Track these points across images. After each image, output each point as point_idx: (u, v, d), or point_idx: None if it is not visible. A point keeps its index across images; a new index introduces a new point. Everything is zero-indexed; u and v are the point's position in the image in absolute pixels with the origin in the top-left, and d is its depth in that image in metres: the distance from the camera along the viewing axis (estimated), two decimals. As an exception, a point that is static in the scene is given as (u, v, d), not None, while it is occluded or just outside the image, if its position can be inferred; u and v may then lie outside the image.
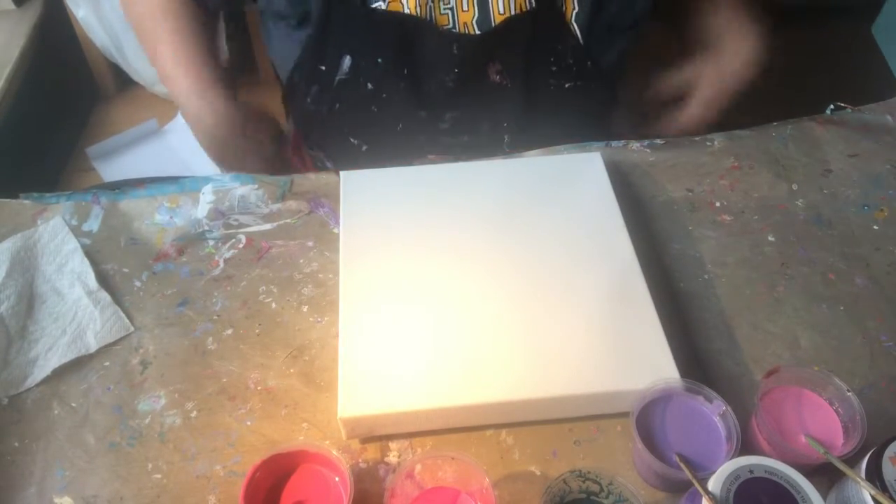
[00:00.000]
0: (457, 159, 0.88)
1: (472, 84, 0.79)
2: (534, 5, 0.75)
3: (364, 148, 0.84)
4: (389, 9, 0.74)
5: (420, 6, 0.74)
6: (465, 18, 0.75)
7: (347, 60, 0.77)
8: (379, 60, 0.77)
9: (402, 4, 0.74)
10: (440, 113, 0.81)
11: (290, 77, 0.84)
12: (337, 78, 0.78)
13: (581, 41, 0.78)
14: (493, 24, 0.75)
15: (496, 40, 0.76)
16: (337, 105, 0.80)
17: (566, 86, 0.80)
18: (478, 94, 0.80)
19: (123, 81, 1.40)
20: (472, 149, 0.84)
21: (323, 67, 0.79)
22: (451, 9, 0.75)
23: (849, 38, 2.19)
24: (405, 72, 0.77)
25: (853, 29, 2.21)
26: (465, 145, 0.84)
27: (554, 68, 0.79)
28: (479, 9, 0.75)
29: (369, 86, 0.78)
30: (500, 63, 0.78)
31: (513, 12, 0.75)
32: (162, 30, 0.79)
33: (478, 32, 0.75)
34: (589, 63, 0.80)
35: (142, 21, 0.82)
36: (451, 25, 0.75)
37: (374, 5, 0.74)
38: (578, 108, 0.84)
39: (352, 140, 0.83)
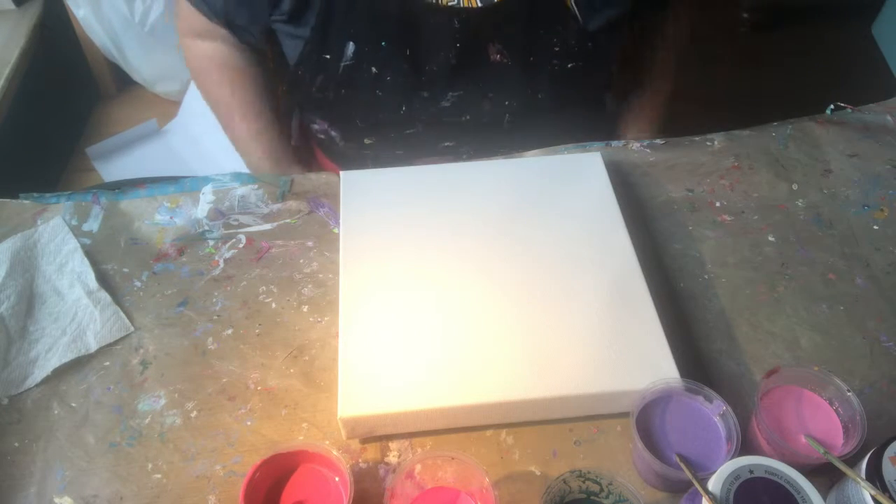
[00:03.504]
0: (457, 158, 0.88)
1: (472, 63, 0.81)
2: None
3: (369, 131, 0.87)
4: None
5: None
6: None
7: (351, 47, 0.79)
8: (383, 44, 0.79)
9: None
10: (442, 93, 0.83)
11: (294, 71, 0.85)
12: (342, 64, 0.80)
13: (581, 22, 0.80)
14: None
15: (496, 16, 0.78)
16: (343, 91, 0.82)
17: (568, 66, 0.82)
18: (478, 73, 0.82)
19: (123, 81, 1.39)
20: (474, 129, 0.85)
21: (328, 56, 0.81)
22: None
23: (849, 38, 2.19)
24: (407, 52, 0.80)
25: (853, 29, 2.21)
26: (468, 125, 0.85)
27: (557, 48, 0.81)
28: None
29: (373, 69, 0.80)
30: (500, 43, 0.81)
31: None
32: (235, 102, 0.92)
33: (479, 5, 0.77)
34: (590, 44, 0.82)
35: (216, 99, 0.94)
36: (454, 2, 0.77)
37: None
38: (579, 88, 0.86)
39: (357, 123, 0.85)
